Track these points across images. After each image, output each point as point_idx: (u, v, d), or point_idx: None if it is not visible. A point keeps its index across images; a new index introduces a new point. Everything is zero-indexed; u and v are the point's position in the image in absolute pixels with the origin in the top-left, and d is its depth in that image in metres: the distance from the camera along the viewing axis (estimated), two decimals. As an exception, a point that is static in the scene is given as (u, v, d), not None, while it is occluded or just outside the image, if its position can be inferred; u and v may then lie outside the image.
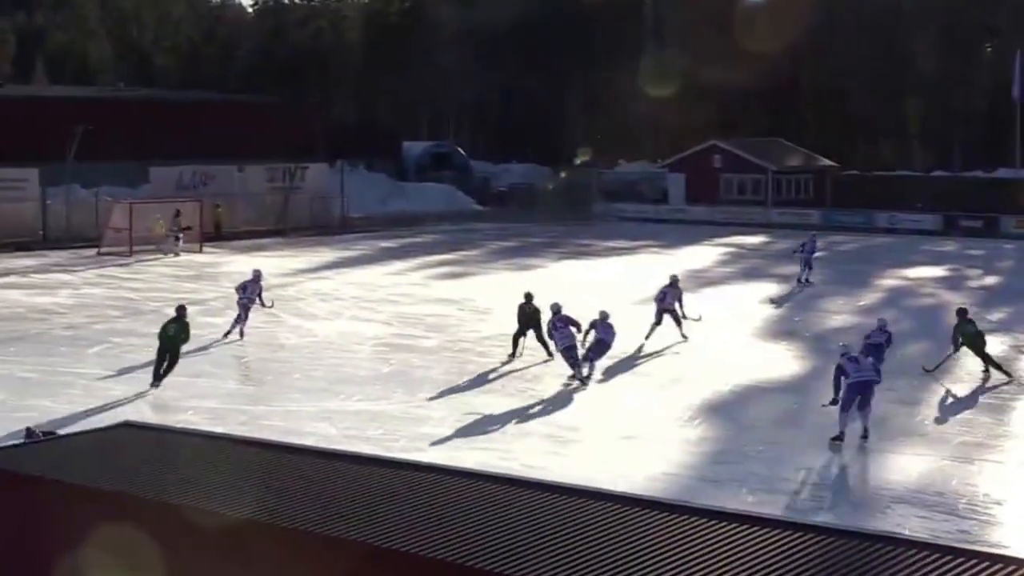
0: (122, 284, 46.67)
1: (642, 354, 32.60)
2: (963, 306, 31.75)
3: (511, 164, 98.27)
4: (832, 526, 11.28)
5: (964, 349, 29.92)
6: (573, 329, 29.37)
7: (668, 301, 34.64)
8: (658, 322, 34.31)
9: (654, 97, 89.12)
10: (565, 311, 29.71)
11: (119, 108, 79.55)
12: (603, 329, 29.44)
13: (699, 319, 35.40)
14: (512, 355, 31.78)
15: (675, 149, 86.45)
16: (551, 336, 29.99)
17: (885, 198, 75.50)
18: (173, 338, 28.05)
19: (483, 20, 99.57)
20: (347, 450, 15.61)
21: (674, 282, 35.15)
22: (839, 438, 23.30)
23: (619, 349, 31.57)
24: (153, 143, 71.98)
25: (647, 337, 33.76)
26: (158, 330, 28.53)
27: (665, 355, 32.71)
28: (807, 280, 46.59)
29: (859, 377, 23.77)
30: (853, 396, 23.69)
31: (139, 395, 27.11)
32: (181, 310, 29.13)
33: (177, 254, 55.54)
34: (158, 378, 27.71)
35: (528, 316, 31.97)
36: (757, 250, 62.99)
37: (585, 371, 29.05)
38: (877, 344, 28.33)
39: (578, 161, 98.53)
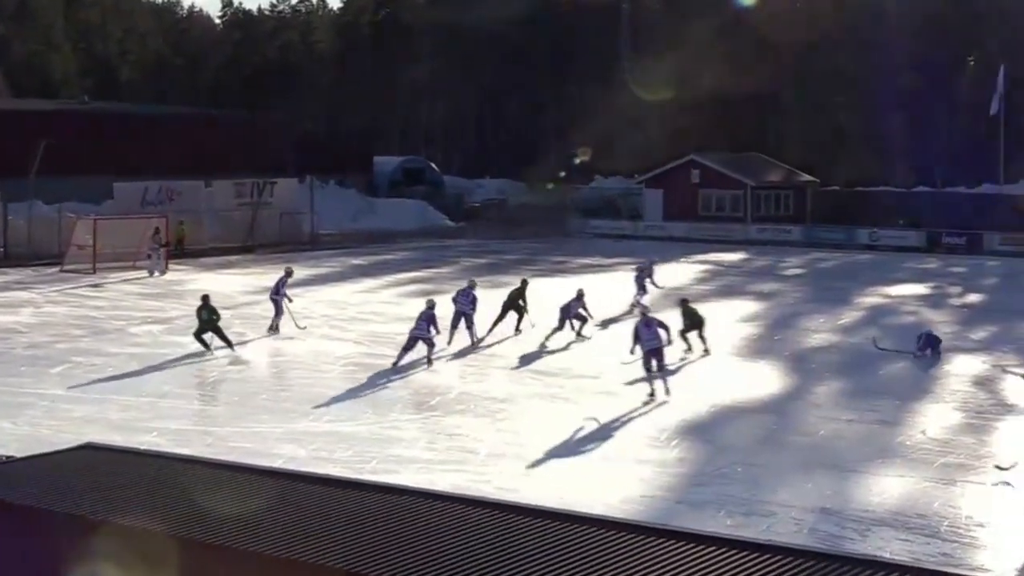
0: (85, 302, 46.04)
1: (614, 373, 32.17)
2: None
3: (485, 180, 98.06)
4: (812, 549, 11.16)
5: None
6: (662, 332, 30.01)
7: (573, 310, 37.29)
8: (560, 327, 36.90)
9: (631, 112, 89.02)
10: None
11: (83, 122, 79.06)
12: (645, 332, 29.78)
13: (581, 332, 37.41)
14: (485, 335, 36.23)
15: (652, 164, 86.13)
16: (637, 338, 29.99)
17: (866, 214, 75.30)
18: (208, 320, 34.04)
19: (457, 33, 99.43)
20: (316, 472, 15.22)
21: (580, 295, 37.57)
22: (652, 394, 28.45)
23: (593, 369, 31.27)
24: (118, 158, 71.46)
25: (547, 338, 36.22)
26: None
27: (639, 374, 32.19)
28: (639, 302, 41.70)
29: (650, 345, 28.86)
30: (648, 360, 28.89)
31: (102, 416, 26.56)
32: (206, 298, 34.95)
33: (164, 271, 54.68)
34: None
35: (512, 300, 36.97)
36: (736, 267, 62.66)
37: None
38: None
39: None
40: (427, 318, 32.89)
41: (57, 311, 43.55)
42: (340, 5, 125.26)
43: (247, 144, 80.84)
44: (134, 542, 11.27)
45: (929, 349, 34.46)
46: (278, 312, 38.56)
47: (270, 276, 48.97)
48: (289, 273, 39.87)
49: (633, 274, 46.24)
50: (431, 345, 33.06)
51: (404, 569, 10.05)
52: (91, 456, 14.26)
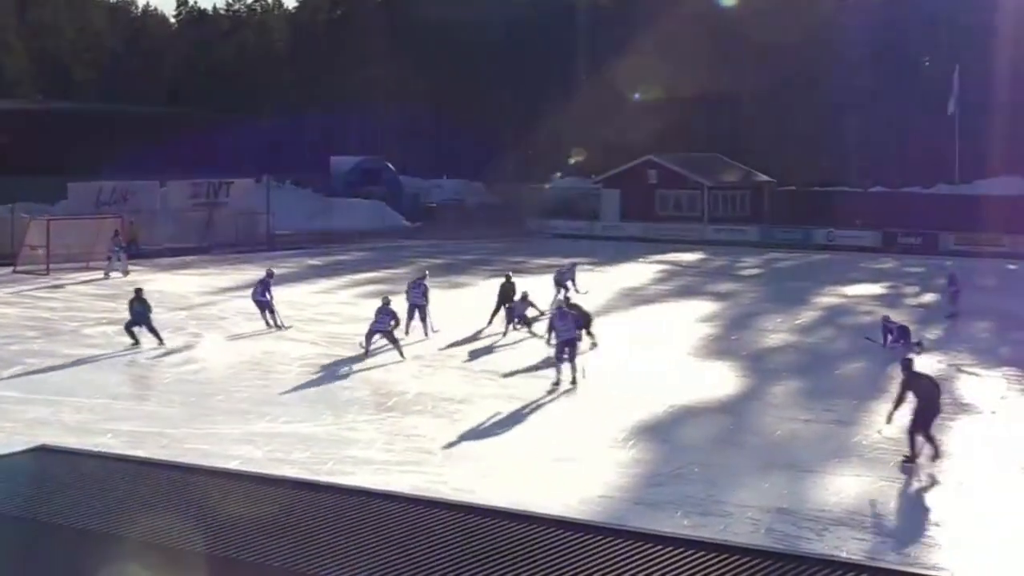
0: (38, 303, 45.65)
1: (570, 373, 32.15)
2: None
3: (442, 180, 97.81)
4: (769, 549, 11.16)
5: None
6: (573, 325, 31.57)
7: (518, 312, 38.27)
8: (505, 331, 38.00)
9: (589, 112, 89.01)
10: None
11: (36, 121, 78.49)
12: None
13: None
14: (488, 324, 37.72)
15: (609, 164, 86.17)
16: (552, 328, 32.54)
17: (823, 214, 75.46)
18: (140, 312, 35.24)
19: (412, 32, 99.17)
20: (272, 473, 15.11)
21: (524, 298, 38.47)
22: (557, 383, 29.70)
23: (549, 370, 31.29)
24: (72, 157, 70.85)
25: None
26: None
27: (597, 375, 32.23)
28: (566, 298, 42.40)
29: (565, 336, 30.15)
30: (561, 350, 30.09)
31: (56, 418, 26.33)
32: (139, 291, 36.24)
33: (126, 272, 54.13)
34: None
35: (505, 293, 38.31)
36: (693, 267, 62.76)
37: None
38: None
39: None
40: (385, 312, 34.19)
41: (10, 312, 43.14)
42: (296, 4, 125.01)
43: (203, 144, 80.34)
44: (87, 545, 11.16)
45: (902, 340, 34.78)
46: (267, 311, 39.26)
47: (226, 277, 49.00)
48: (270, 274, 40.70)
49: (553, 276, 46.20)
50: (393, 339, 34.15)
51: (359, 570, 9.99)
52: (45, 458, 14.15)
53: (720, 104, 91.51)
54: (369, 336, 34.20)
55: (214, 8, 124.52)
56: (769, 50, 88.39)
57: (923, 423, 23.11)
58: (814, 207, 77.80)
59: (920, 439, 23.00)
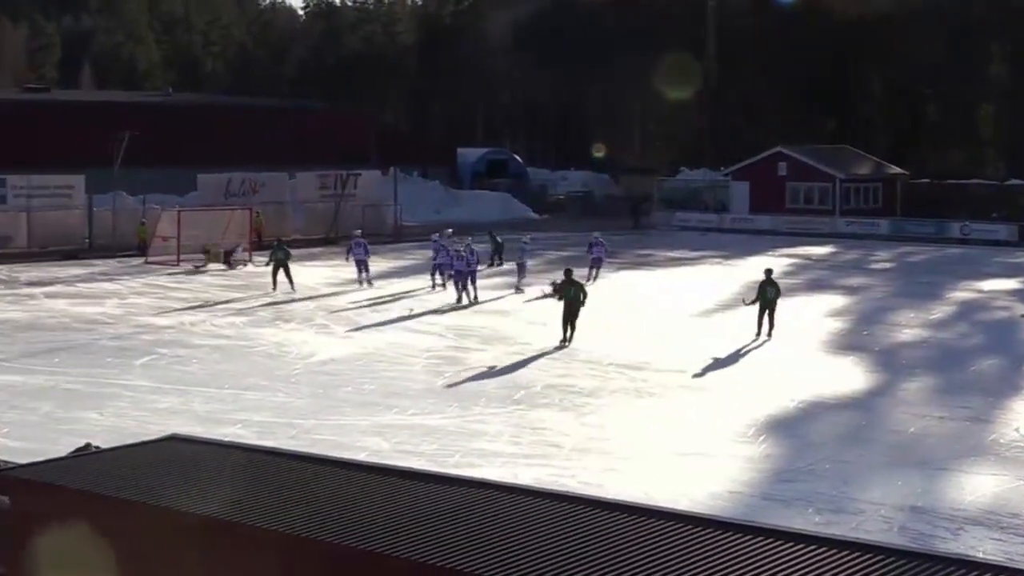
0: (168, 293, 46.21)
1: (700, 367, 31.91)
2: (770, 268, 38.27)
3: (569, 171, 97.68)
4: (903, 548, 10.71)
5: None
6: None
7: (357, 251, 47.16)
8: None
9: (716, 103, 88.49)
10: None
11: (167, 113, 79.75)
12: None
13: None
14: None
15: (738, 156, 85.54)
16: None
17: (958, 207, 74.20)
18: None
19: (539, 22, 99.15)
20: (399, 465, 15.07)
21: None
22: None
23: (678, 363, 31.04)
24: (201, 149, 71.95)
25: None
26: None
27: (725, 369, 31.96)
28: (519, 289, 46.76)
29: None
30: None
31: (187, 407, 26.62)
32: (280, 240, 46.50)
33: (246, 263, 54.91)
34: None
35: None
36: (823, 261, 62.03)
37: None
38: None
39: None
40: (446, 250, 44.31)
41: (141, 302, 43.70)
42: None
43: (331, 136, 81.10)
44: (219, 534, 11.25)
45: None
46: (363, 268, 47.63)
47: (354, 268, 49.14)
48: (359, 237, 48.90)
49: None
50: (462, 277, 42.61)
51: (484, 564, 9.91)
52: (176, 448, 14.15)
53: (851, 95, 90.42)
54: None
55: (342, 1, 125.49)
56: (900, 40, 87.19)
57: None
58: (948, 200, 76.48)
59: None
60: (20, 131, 71.90)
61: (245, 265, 54.38)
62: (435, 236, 48.72)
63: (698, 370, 31.50)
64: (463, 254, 43.62)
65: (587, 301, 35.84)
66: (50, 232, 58.97)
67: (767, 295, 36.41)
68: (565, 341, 34.72)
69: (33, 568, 12.79)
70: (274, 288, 45.74)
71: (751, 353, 34.11)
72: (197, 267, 53.85)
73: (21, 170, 60.65)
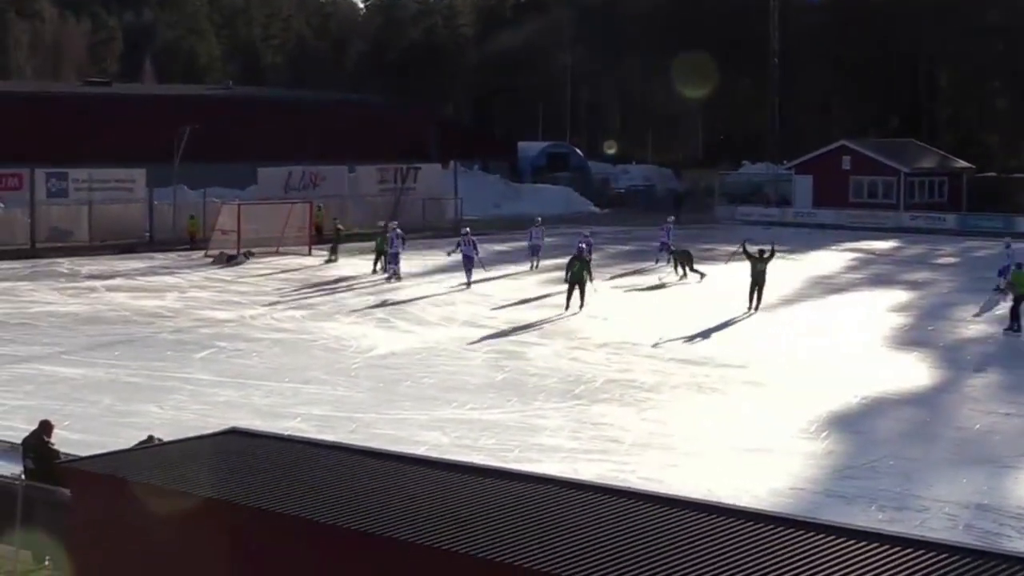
0: (228, 287, 46.32)
1: (762, 362, 31.67)
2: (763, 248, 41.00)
3: (630, 165, 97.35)
4: (969, 546, 10.67)
5: None
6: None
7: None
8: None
9: (776, 96, 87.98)
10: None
11: (227, 107, 80.00)
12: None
13: None
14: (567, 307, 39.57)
15: (801, 150, 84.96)
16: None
17: (1024, 202, 73.46)
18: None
19: (601, 16, 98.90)
20: (459, 460, 15.01)
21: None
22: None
23: (740, 358, 30.81)
24: (261, 143, 72.14)
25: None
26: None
27: (786, 364, 31.71)
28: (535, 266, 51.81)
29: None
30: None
31: (246, 401, 26.66)
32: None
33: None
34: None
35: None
36: (887, 255, 61.47)
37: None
38: None
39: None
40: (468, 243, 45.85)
41: (202, 296, 43.84)
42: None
43: (391, 130, 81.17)
44: (280, 528, 11.35)
45: None
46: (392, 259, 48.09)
47: (413, 262, 49.18)
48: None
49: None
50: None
51: (545, 559, 9.93)
52: (236, 441, 14.41)
53: (917, 88, 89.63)
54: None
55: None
56: (969, 34, 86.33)
57: None
58: (1016, 194, 75.57)
59: None
60: (82, 125, 72.40)
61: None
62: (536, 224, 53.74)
63: (760, 365, 31.27)
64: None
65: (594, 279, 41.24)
66: (111, 226, 59.20)
67: (756, 268, 39.92)
68: (571, 309, 39.34)
69: (94, 560, 12.86)
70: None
71: (813, 348, 33.82)
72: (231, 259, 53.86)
73: (83, 164, 61.00)
